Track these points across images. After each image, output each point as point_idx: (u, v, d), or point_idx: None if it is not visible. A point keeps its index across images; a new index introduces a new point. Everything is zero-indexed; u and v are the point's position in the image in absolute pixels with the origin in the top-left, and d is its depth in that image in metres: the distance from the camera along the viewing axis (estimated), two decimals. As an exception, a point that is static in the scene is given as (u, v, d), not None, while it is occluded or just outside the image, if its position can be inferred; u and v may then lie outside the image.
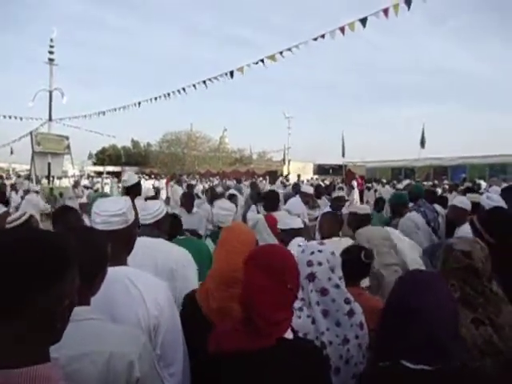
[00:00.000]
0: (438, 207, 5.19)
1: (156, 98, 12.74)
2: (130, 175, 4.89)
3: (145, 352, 1.17)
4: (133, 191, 4.31)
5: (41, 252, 0.79)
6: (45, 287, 0.78)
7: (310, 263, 1.69)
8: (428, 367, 1.12)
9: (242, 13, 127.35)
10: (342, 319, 1.65)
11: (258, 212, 5.31)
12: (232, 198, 6.78)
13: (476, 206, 4.04)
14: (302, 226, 3.35)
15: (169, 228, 2.60)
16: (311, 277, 1.67)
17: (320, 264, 1.67)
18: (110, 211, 1.57)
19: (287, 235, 3.18)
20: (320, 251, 1.71)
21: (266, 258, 1.34)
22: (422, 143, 28.32)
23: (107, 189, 16.97)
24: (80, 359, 1.07)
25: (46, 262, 0.78)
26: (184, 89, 11.17)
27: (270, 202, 4.63)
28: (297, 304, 1.69)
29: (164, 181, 21.18)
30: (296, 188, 8.14)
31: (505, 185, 8.34)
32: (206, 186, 16.01)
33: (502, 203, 3.66)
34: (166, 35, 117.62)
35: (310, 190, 6.14)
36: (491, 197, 3.88)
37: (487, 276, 1.64)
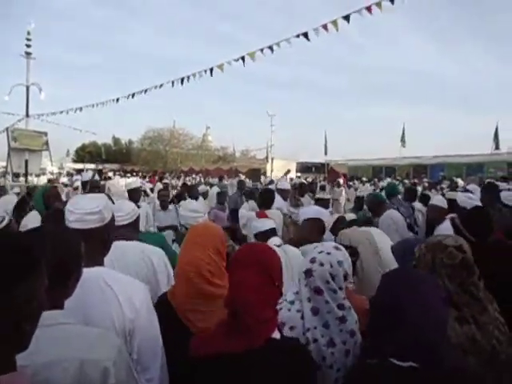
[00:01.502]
0: (418, 205, 5.31)
1: (134, 95, 12.58)
2: (87, 173, 5.00)
3: (120, 357, 1.12)
4: (87, 187, 4.31)
5: (3, 253, 0.74)
6: (7, 289, 0.73)
7: (313, 260, 1.67)
8: (416, 364, 1.11)
9: (225, 10, 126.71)
10: (332, 322, 1.63)
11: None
12: (221, 196, 6.80)
13: (452, 202, 4.15)
14: (273, 225, 3.30)
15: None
16: (309, 273, 1.65)
17: (322, 265, 1.65)
18: (85, 209, 1.50)
19: (260, 238, 3.11)
20: (328, 253, 1.69)
21: (253, 257, 1.34)
22: (403, 142, 28.85)
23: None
24: (51, 367, 1.01)
25: (8, 262, 0.74)
26: (161, 85, 11.10)
27: (265, 199, 4.63)
28: (289, 297, 1.70)
29: (146, 179, 20.90)
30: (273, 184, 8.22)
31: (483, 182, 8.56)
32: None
33: (477, 201, 3.76)
34: (148, 31, 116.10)
35: (287, 186, 6.27)
36: (468, 195, 3.98)
37: (478, 273, 1.63)
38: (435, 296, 1.20)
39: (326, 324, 1.62)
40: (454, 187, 8.27)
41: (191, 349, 1.31)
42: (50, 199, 3.78)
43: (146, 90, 11.89)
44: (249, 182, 15.99)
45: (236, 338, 1.26)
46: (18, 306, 0.75)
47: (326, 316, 1.63)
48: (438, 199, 4.48)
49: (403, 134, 28.98)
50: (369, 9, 6.30)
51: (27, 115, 19.34)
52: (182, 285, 1.72)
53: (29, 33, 18.94)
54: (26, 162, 16.10)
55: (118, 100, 13.68)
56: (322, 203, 5.30)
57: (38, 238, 0.84)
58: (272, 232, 3.20)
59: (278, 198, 5.93)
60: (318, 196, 5.57)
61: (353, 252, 2.25)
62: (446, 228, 3.34)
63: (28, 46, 18.92)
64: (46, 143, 17.92)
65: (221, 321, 1.36)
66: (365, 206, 5.76)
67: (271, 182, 9.64)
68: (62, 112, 18.47)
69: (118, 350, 1.13)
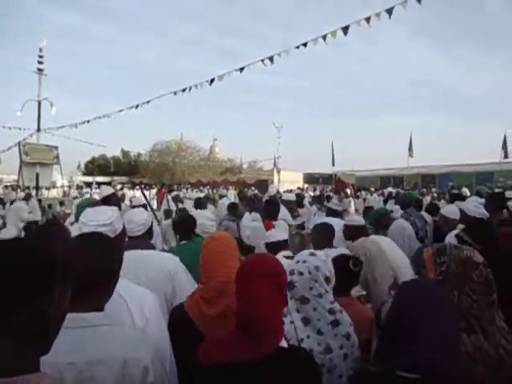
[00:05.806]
0: (424, 215, 5.27)
1: (137, 106, 12.83)
2: (104, 187, 5.05)
3: (156, 357, 1.21)
4: (109, 202, 4.34)
5: (25, 263, 0.77)
6: (32, 299, 0.76)
7: (292, 272, 1.68)
8: (419, 376, 1.11)
9: (229, 23, 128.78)
10: (325, 328, 1.63)
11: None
12: (232, 207, 6.69)
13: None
14: (286, 237, 3.26)
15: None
16: (290, 285, 1.66)
17: (301, 274, 1.66)
18: (97, 221, 1.57)
19: (272, 248, 3.06)
20: (304, 261, 1.70)
21: (260, 267, 1.34)
22: (411, 152, 28.71)
23: (96, 197, 16.72)
24: (96, 364, 1.09)
25: (30, 273, 0.77)
26: (163, 95, 11.36)
27: (270, 210, 4.55)
28: None
29: (154, 191, 21.02)
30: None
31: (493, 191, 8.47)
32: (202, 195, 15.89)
33: (481, 209, 3.80)
34: (156, 46, 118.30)
35: (291, 197, 6.29)
36: (473, 202, 3.99)
37: (495, 292, 1.59)
38: (447, 307, 1.20)
39: (319, 331, 1.63)
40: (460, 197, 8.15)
41: (199, 358, 1.32)
42: None
43: (148, 101, 12.13)
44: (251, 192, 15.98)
45: (245, 346, 1.27)
46: (45, 312, 0.79)
47: (317, 323, 1.63)
48: (448, 210, 4.48)
49: (410, 143, 28.87)
50: (368, 20, 6.36)
51: (38, 129, 19.70)
52: (216, 298, 1.68)
53: (41, 50, 19.44)
54: (37, 175, 16.31)
55: (121, 111, 14.02)
56: (334, 214, 5.32)
57: (56, 248, 0.88)
58: (285, 243, 3.17)
59: (282, 208, 5.92)
60: (328, 205, 5.52)
61: (356, 262, 2.26)
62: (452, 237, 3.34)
63: (40, 62, 19.40)
64: (57, 157, 18.23)
65: (229, 330, 1.36)
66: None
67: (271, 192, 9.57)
68: (71, 126, 18.85)
69: (155, 351, 1.22)
